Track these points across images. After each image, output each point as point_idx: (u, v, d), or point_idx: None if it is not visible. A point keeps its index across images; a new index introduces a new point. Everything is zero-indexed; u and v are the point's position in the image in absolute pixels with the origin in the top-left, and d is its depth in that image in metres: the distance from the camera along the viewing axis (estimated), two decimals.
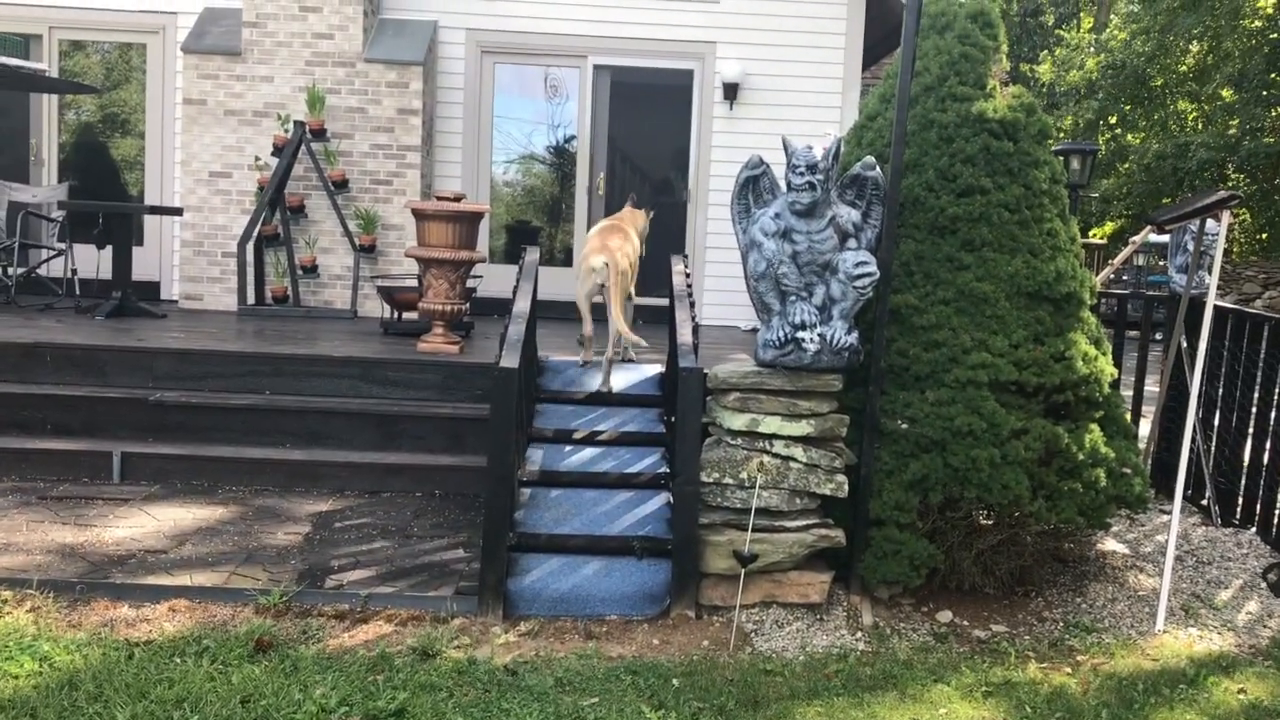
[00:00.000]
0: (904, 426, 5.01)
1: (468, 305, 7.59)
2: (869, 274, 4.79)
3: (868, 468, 5.03)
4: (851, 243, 4.94)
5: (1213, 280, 5.50)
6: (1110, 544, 6.22)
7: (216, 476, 6.42)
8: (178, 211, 9.37)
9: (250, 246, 9.66)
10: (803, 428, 4.89)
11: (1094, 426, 5.21)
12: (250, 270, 9.71)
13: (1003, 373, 5.02)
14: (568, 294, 10.49)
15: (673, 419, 5.97)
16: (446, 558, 5.36)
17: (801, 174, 4.75)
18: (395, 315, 8.60)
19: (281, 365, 7.03)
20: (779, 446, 4.93)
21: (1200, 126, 25.31)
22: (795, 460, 4.91)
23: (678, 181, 10.80)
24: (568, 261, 10.76)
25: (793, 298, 4.87)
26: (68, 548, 5.22)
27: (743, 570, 4.80)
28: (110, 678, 3.95)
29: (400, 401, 6.95)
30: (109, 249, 9.00)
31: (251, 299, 9.78)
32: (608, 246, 6.38)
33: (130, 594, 4.79)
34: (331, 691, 3.97)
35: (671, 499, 5.39)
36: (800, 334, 4.82)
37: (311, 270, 9.90)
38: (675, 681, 4.25)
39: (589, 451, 5.92)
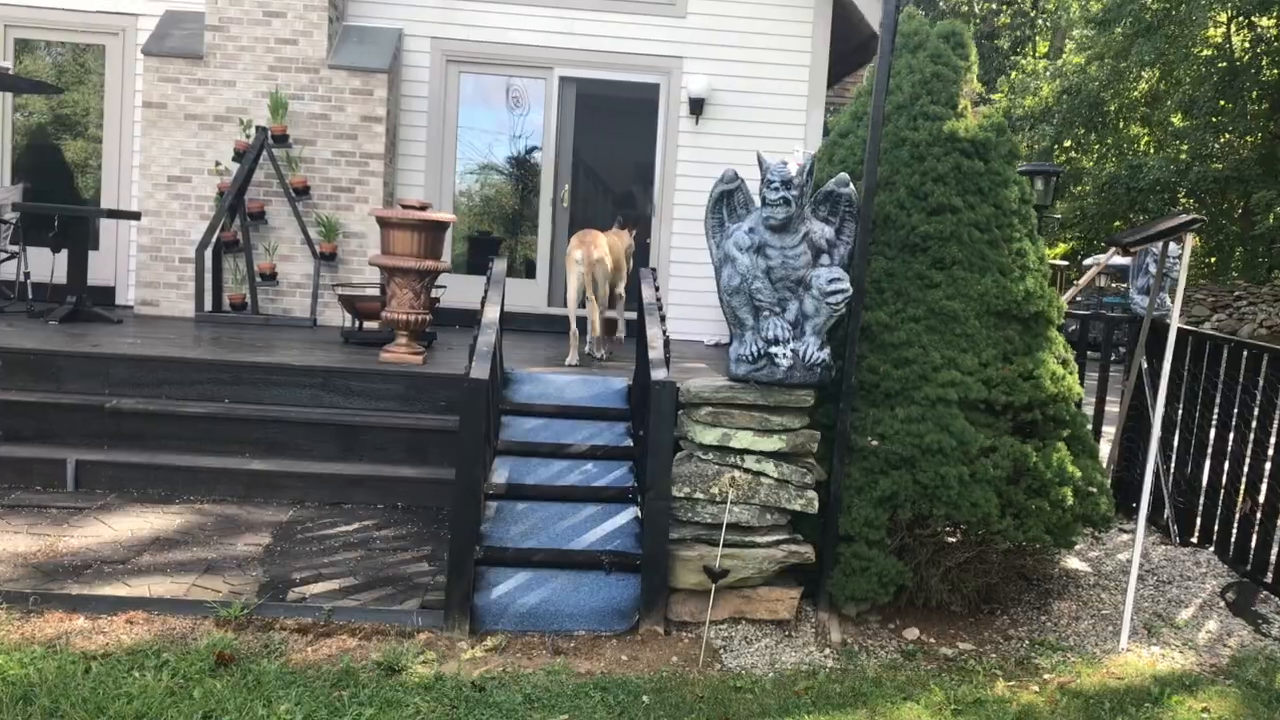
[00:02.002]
0: (874, 443, 5.01)
1: (431, 315, 7.52)
2: (842, 290, 4.80)
3: (838, 484, 5.02)
4: (825, 259, 4.94)
5: (1176, 303, 5.57)
6: (1073, 562, 6.26)
7: (174, 486, 6.30)
8: (135, 216, 9.20)
9: (209, 252, 9.51)
10: (774, 443, 4.88)
11: (1061, 445, 5.25)
12: (209, 276, 9.56)
13: (972, 391, 5.05)
14: (530, 306, 10.49)
15: (641, 433, 5.94)
16: (411, 571, 5.29)
17: (776, 189, 4.75)
18: (356, 324, 8.50)
19: (241, 373, 6.92)
20: (750, 462, 4.91)
21: (1152, 151, 25.75)
22: (767, 476, 4.90)
23: (642, 196, 10.79)
24: (530, 273, 10.71)
25: (766, 313, 4.86)
26: (20, 557, 5.09)
27: (713, 586, 4.77)
28: (67, 692, 3.85)
29: (362, 412, 6.86)
30: (64, 253, 8.82)
31: (209, 306, 9.62)
32: (584, 242, 7.45)
33: (86, 605, 4.68)
34: (296, 708, 3.89)
35: (640, 513, 5.36)
36: (773, 349, 4.81)
37: (271, 278, 9.77)
38: (645, 699, 4.21)
39: (557, 465, 5.87)
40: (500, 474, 5.70)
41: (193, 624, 4.59)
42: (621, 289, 8.47)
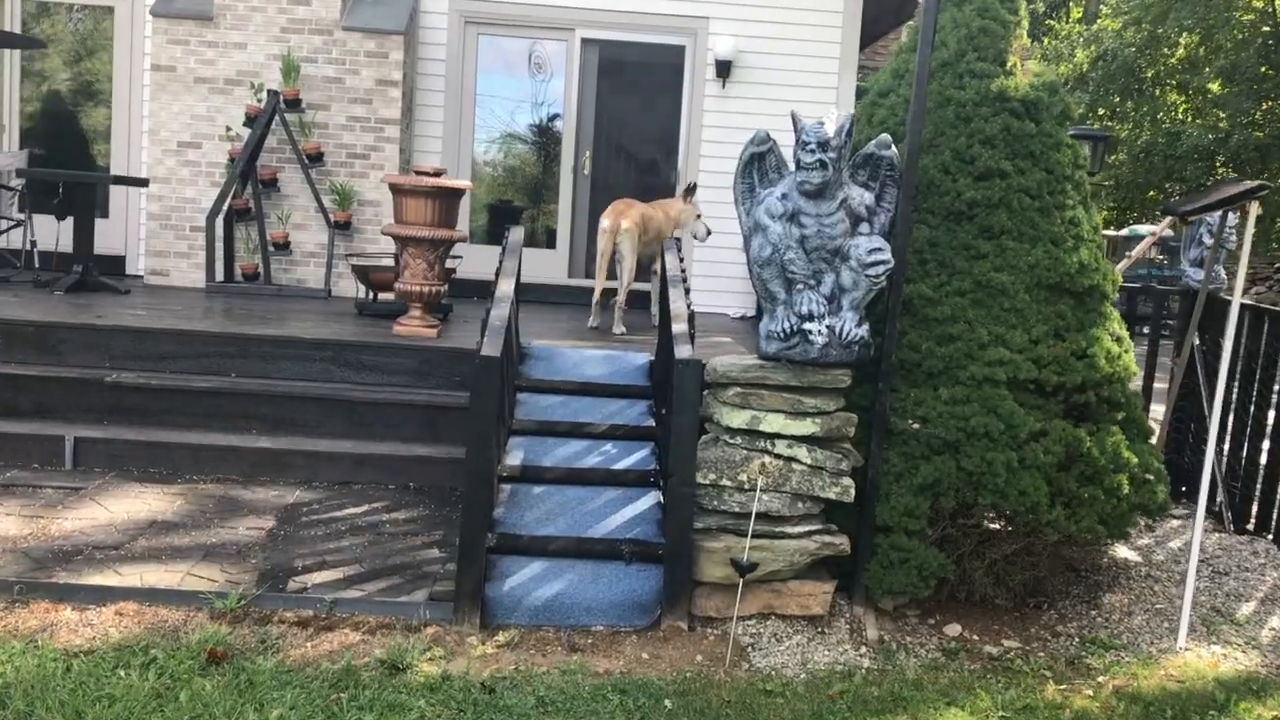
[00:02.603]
0: (915, 427, 4.66)
1: (446, 287, 7.20)
2: (883, 261, 4.43)
3: (875, 470, 4.68)
4: (864, 227, 4.58)
5: (1239, 276, 5.18)
6: (1122, 550, 5.90)
7: (176, 464, 6.02)
8: (143, 183, 8.92)
9: (220, 221, 9.21)
10: (808, 427, 4.54)
11: (1116, 429, 4.89)
12: (219, 246, 9.27)
13: (1021, 370, 4.69)
14: (551, 277, 10.15)
15: (664, 411, 5.62)
16: (420, 558, 4.99)
17: (812, 151, 4.38)
18: (370, 296, 8.19)
19: (248, 346, 6.63)
20: (781, 447, 4.57)
21: (1190, 119, 25.09)
22: (799, 462, 4.56)
23: (666, 162, 10.41)
24: (550, 243, 10.36)
25: (800, 286, 4.50)
26: (9, 541, 4.82)
27: (740, 580, 4.44)
28: (44, 694, 3.57)
29: (374, 388, 6.56)
30: (70, 221, 8.54)
31: (220, 275, 9.34)
32: (614, 211, 7.47)
33: (74, 595, 4.40)
34: (290, 713, 3.60)
35: (662, 499, 5.04)
36: (807, 325, 4.46)
37: (284, 247, 9.47)
38: (668, 703, 3.90)
39: (574, 445, 5.56)
40: (515, 455, 5.39)
41: (186, 616, 4.31)
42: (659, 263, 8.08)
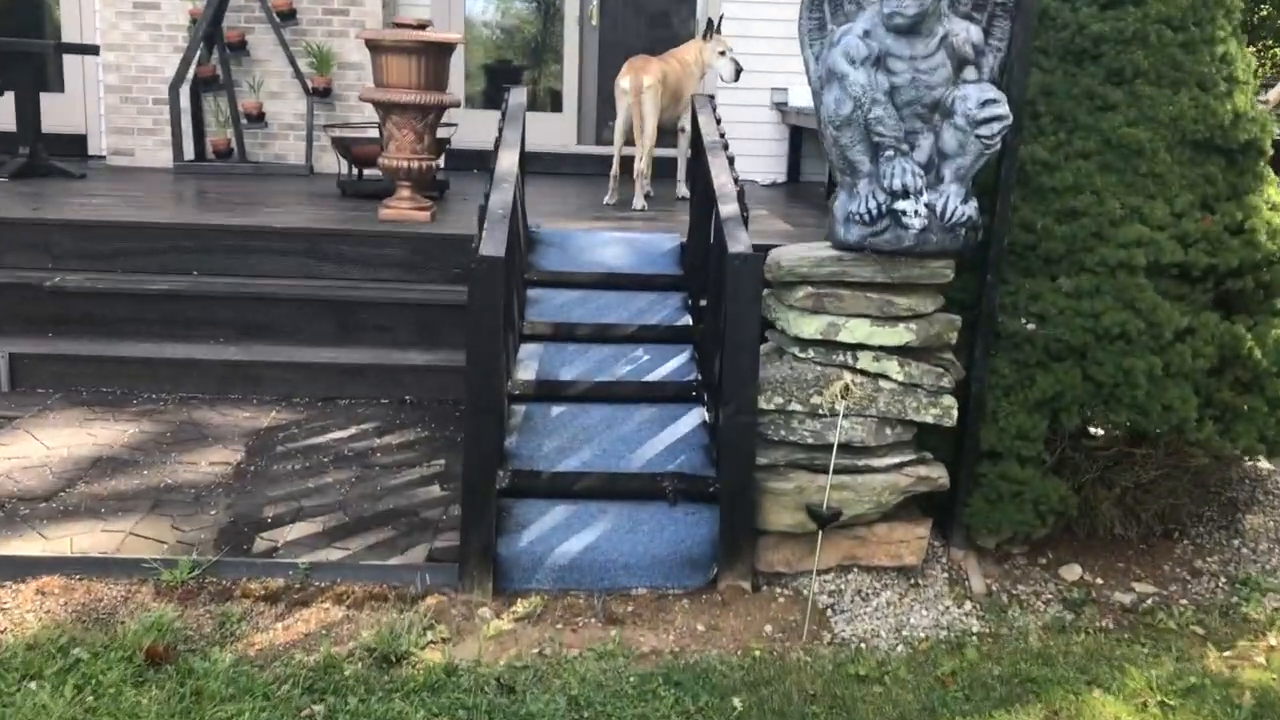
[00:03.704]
0: (1030, 327, 3.70)
1: (439, 161, 6.17)
2: (998, 117, 3.39)
3: (980, 384, 3.74)
4: (969, 73, 3.52)
5: None
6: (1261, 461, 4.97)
7: (131, 382, 5.11)
8: (93, 50, 7.83)
9: (185, 91, 8.13)
10: (900, 334, 3.56)
11: (1277, 322, 3.91)
12: (187, 120, 8.21)
13: (1165, 252, 3.69)
14: (559, 145, 9.05)
15: (702, 303, 4.66)
16: (417, 499, 4.10)
17: None
18: (355, 173, 7.16)
19: (211, 239, 5.64)
20: (866, 360, 3.60)
21: None
22: (888, 378, 3.60)
23: (683, 10, 9.21)
24: (556, 106, 9.24)
25: (889, 152, 3.47)
26: None
27: (819, 531, 3.53)
28: None
29: (360, 284, 5.59)
30: (10, 97, 7.47)
31: (191, 154, 8.30)
32: (632, 68, 6.61)
33: None
34: None
35: (708, 417, 4.13)
36: (900, 204, 3.44)
37: (258, 119, 8.38)
38: (736, 702, 3.04)
39: (598, 352, 4.62)
40: (528, 368, 4.46)
41: (125, 592, 3.44)
42: (686, 121, 7.03)
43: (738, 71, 6.98)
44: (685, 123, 7.08)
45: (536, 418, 4.20)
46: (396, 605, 3.45)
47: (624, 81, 6.57)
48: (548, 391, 4.32)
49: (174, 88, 8.04)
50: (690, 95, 7.07)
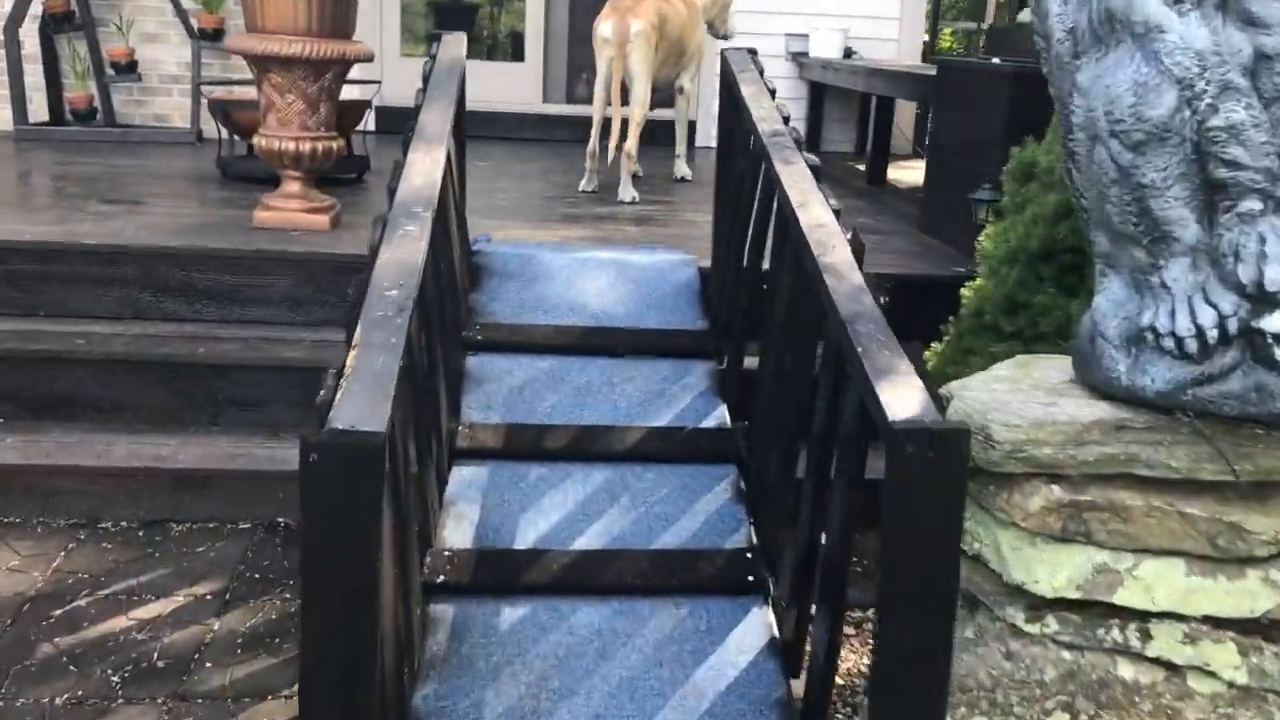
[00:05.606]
0: None
1: (341, 139, 4.25)
2: None
3: None
4: None
5: None
6: None
7: None
8: None
9: (32, 32, 6.21)
10: (1252, 593, 1.67)
11: None
12: (35, 69, 6.27)
13: None
14: (520, 103, 7.11)
15: (746, 361, 2.84)
16: None
17: None
18: (239, 148, 5.22)
19: None
20: (1168, 641, 1.69)
21: None
22: (1212, 676, 1.72)
23: None
24: (518, 54, 7.30)
25: (1249, 204, 1.58)
26: None
27: None
28: None
29: (217, 332, 3.73)
30: None
31: (43, 115, 6.38)
32: (616, 8, 4.94)
33: None
34: None
35: (777, 633, 2.30)
36: (1270, 320, 1.57)
37: (128, 69, 6.44)
38: None
39: (582, 479, 2.78)
40: (461, 520, 2.62)
41: None
42: (689, 79, 5.27)
43: None
44: (686, 81, 5.29)
45: (475, 634, 2.35)
46: None
47: (605, 27, 4.95)
48: (496, 578, 2.47)
49: (11, 28, 6.08)
50: (696, 45, 5.25)
